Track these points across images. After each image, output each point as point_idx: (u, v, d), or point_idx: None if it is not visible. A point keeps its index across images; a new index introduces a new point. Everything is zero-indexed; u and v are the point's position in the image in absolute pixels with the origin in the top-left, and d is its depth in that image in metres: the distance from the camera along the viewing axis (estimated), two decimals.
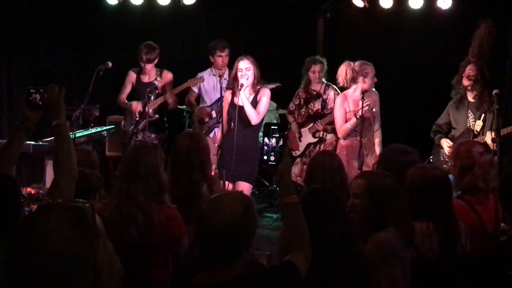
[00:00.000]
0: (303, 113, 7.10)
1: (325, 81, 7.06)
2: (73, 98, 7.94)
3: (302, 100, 7.11)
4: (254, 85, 5.90)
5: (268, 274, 2.40)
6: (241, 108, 5.81)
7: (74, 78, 8.84)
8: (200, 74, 7.07)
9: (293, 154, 7.10)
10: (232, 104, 5.95)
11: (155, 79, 6.95)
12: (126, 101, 7.11)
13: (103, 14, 8.63)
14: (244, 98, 5.79)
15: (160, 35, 8.68)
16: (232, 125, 5.87)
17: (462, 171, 3.84)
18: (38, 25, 8.77)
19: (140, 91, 7.03)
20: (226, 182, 5.69)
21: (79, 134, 6.77)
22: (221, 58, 6.91)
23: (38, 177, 7.55)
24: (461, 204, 3.74)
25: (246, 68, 5.85)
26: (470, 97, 6.25)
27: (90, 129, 7.13)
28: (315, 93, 7.04)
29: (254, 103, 5.90)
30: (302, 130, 7.11)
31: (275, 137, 2.57)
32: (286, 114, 7.42)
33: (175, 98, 6.96)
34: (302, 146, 7.07)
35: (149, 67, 6.96)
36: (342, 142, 6.31)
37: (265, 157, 2.57)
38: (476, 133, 6.17)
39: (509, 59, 7.66)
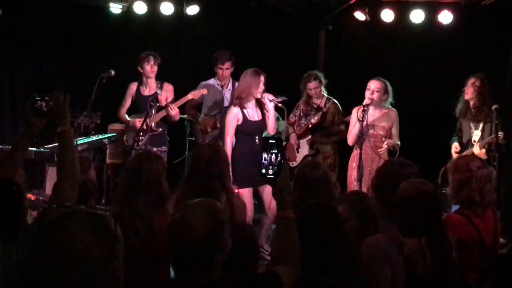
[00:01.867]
0: (303, 124, 7.12)
1: (326, 95, 7.08)
2: (75, 106, 7.98)
3: (302, 112, 7.13)
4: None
5: (249, 280, 2.40)
6: (261, 122, 5.98)
7: (77, 85, 8.87)
8: (203, 83, 7.08)
9: (291, 165, 7.13)
10: (248, 121, 5.98)
11: (155, 92, 6.84)
12: (127, 116, 6.99)
13: (107, 23, 8.67)
14: (272, 111, 5.99)
15: (163, 44, 8.73)
16: (257, 139, 5.93)
17: (459, 184, 3.87)
18: (41, 32, 8.80)
19: (140, 104, 6.92)
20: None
21: (80, 141, 6.81)
22: (222, 71, 6.89)
23: (38, 183, 7.58)
24: (458, 218, 3.77)
25: (263, 82, 5.99)
26: (471, 108, 6.39)
27: (92, 137, 7.17)
28: (316, 106, 7.07)
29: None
30: (301, 141, 7.14)
31: (273, 152, 2.60)
32: (286, 125, 7.44)
33: (178, 111, 6.83)
34: (299, 157, 7.09)
35: (155, 70, 6.85)
36: (354, 152, 6.36)
37: (264, 171, 2.60)
38: (473, 143, 6.30)
39: (509, 74, 7.72)
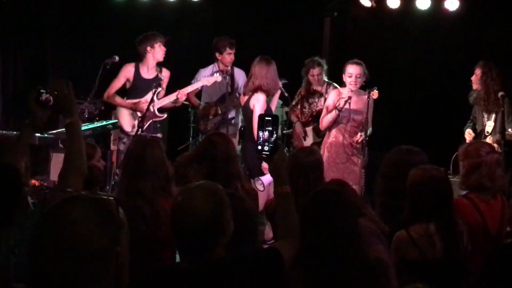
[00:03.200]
0: (307, 112, 7.07)
1: (326, 80, 7.03)
2: (79, 92, 7.94)
3: (304, 99, 7.08)
4: None
5: (250, 258, 2.42)
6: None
7: (80, 72, 8.86)
8: (202, 70, 7.03)
9: None
10: (269, 107, 6.09)
11: (157, 75, 6.63)
12: (119, 97, 6.65)
13: (111, 8, 8.64)
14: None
15: (167, 30, 8.67)
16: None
17: (469, 170, 3.86)
18: (45, 18, 8.80)
19: (140, 87, 6.62)
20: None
21: (84, 127, 6.77)
22: (231, 55, 6.84)
23: (42, 169, 7.57)
24: (465, 202, 3.75)
25: None
26: (482, 97, 6.37)
27: (95, 123, 7.13)
28: (318, 93, 7.03)
29: None
30: (307, 129, 7.10)
31: (268, 129, 2.61)
32: (290, 113, 7.39)
33: (186, 97, 6.66)
34: (306, 145, 7.05)
35: (164, 53, 6.57)
36: (327, 139, 6.31)
37: (260, 147, 2.62)
38: (487, 134, 6.27)
39: None
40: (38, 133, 6.83)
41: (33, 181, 6.90)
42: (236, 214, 2.41)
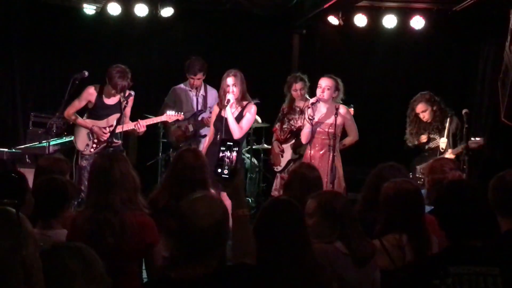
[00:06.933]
0: (286, 129, 7.11)
1: (308, 97, 7.06)
2: (48, 107, 7.92)
3: (285, 117, 7.13)
4: (239, 101, 6.08)
5: (240, 271, 2.51)
6: (227, 121, 5.99)
7: (49, 87, 8.79)
8: (174, 88, 7.04)
9: (275, 169, 7.17)
10: (219, 117, 6.13)
11: (119, 99, 6.41)
12: (79, 117, 6.56)
13: (81, 24, 8.61)
14: (228, 113, 5.99)
15: (137, 46, 8.71)
16: (219, 137, 6.02)
17: (432, 185, 3.97)
18: (14, 32, 8.72)
19: (101, 112, 6.50)
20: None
21: (52, 142, 6.75)
22: (193, 80, 6.94)
23: None
24: (430, 218, 3.83)
25: (232, 84, 6.04)
26: (425, 118, 6.59)
27: (64, 138, 7.10)
28: (298, 109, 7.08)
29: (240, 118, 6.09)
30: (284, 146, 7.13)
31: (230, 153, 2.69)
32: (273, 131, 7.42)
33: (145, 129, 6.48)
34: (283, 162, 7.09)
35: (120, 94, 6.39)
36: (308, 151, 6.36)
37: (219, 170, 2.70)
38: (442, 150, 6.39)
39: (479, 77, 7.87)
40: (3, 146, 6.79)
41: None
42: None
